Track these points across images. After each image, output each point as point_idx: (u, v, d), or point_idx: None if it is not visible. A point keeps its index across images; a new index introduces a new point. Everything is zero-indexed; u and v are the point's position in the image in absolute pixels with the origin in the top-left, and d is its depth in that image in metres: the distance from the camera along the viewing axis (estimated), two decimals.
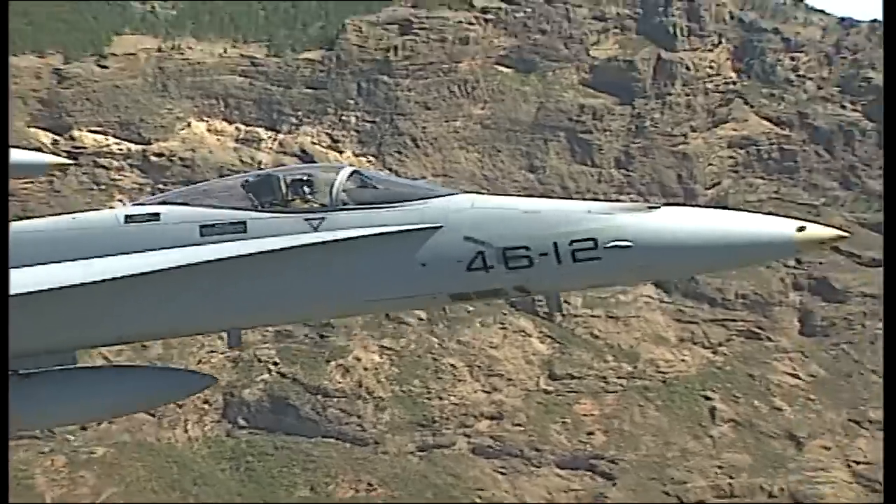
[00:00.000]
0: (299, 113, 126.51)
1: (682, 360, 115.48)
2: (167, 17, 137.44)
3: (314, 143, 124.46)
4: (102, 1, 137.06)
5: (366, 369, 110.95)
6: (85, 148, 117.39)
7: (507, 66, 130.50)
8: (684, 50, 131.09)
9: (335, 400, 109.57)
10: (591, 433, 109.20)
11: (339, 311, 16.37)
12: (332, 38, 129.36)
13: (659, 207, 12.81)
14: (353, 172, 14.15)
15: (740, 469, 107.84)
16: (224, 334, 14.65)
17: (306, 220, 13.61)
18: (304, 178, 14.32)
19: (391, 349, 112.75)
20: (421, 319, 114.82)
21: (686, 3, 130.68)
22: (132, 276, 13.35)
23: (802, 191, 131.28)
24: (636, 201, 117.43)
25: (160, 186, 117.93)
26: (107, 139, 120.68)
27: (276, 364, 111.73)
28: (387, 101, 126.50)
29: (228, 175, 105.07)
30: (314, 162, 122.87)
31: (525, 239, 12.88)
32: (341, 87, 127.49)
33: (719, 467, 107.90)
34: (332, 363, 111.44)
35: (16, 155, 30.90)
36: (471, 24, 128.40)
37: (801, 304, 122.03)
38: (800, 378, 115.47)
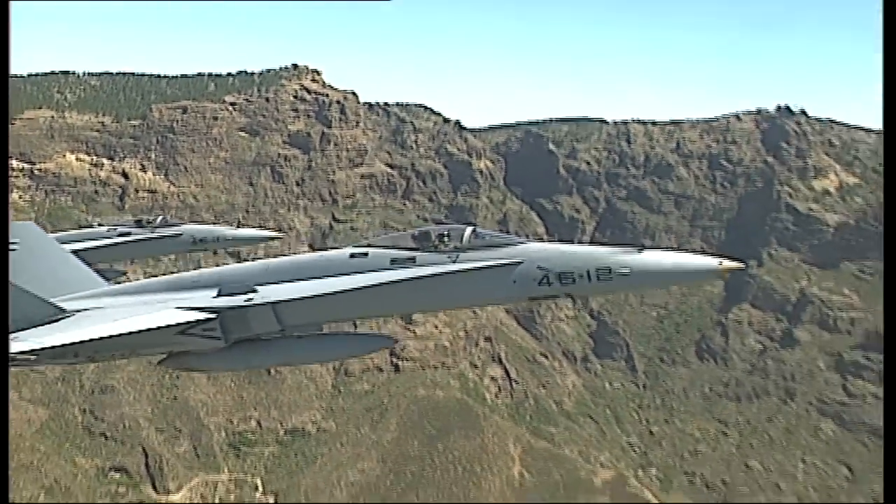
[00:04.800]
0: (125, 151, 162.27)
1: None
2: (72, 100, 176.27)
3: (131, 168, 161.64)
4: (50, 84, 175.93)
5: None
6: None
7: (243, 132, 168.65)
8: (338, 129, 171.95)
9: None
10: None
11: (467, 306, 17.46)
12: (146, 113, 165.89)
13: (644, 250, 13.95)
14: (473, 230, 15.25)
15: None
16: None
17: (448, 256, 14.91)
18: (446, 232, 15.31)
19: None
20: None
21: (340, 105, 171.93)
22: (358, 288, 14.80)
23: (401, 200, 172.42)
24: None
25: (40, 186, 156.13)
26: (11, 161, 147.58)
27: None
28: (172, 147, 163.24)
29: (82, 181, 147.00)
30: (126, 177, 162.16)
31: (571, 268, 14.08)
32: (148, 139, 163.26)
33: None
34: None
35: (244, 232, 31.80)
36: (222, 110, 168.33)
37: None
38: None
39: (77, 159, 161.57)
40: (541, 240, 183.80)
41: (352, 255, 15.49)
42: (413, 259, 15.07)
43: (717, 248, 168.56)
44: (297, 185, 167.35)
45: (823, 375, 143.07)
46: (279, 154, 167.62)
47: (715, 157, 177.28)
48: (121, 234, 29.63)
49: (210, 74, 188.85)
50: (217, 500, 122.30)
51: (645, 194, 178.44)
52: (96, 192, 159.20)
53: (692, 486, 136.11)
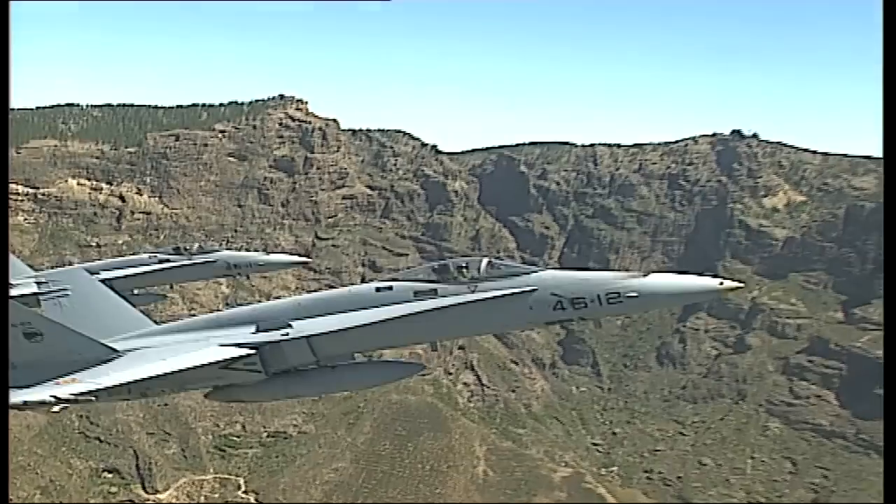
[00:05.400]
0: (123, 176, 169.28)
1: None
2: (76, 130, 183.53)
3: (128, 192, 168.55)
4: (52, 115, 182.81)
5: None
6: None
7: (232, 157, 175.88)
8: (320, 153, 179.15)
9: None
10: None
11: (485, 333, 18.91)
12: (141, 141, 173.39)
13: (649, 274, 14.54)
14: (489, 261, 15.58)
15: None
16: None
17: (467, 287, 15.26)
18: (464, 264, 15.70)
19: None
20: None
21: (322, 132, 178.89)
22: (385, 319, 15.39)
23: (380, 219, 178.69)
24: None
25: (43, 209, 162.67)
26: (16, 186, 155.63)
27: None
28: (166, 171, 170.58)
29: (82, 204, 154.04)
30: (123, 199, 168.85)
31: (583, 293, 14.48)
32: (144, 164, 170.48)
33: None
34: None
35: (275, 257, 33.06)
36: (212, 137, 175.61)
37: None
38: None
39: (78, 184, 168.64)
40: (511, 256, 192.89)
41: (378, 289, 16.05)
42: (435, 291, 15.55)
43: (677, 261, 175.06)
44: (283, 205, 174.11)
45: (772, 378, 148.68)
46: (265, 177, 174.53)
47: (674, 177, 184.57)
48: (161, 261, 31.18)
49: (203, 105, 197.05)
50: (202, 498, 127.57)
51: (610, 212, 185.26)
52: (95, 214, 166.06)
53: (650, 483, 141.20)
